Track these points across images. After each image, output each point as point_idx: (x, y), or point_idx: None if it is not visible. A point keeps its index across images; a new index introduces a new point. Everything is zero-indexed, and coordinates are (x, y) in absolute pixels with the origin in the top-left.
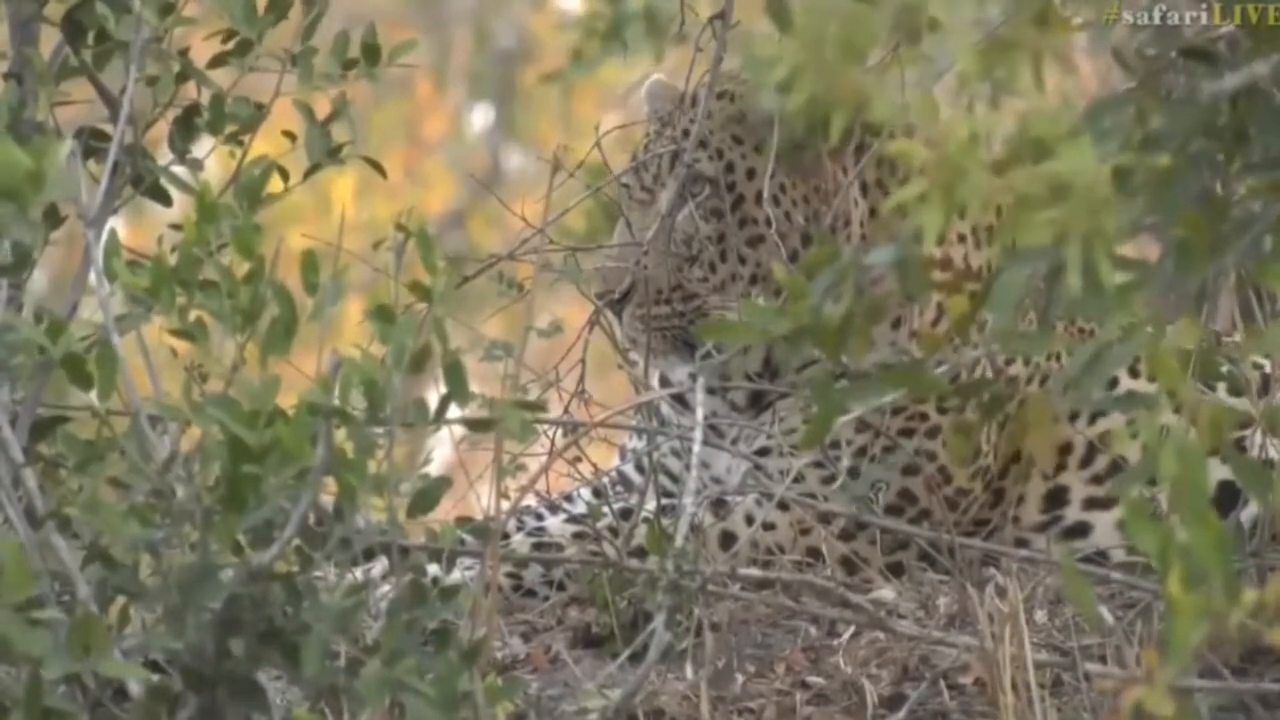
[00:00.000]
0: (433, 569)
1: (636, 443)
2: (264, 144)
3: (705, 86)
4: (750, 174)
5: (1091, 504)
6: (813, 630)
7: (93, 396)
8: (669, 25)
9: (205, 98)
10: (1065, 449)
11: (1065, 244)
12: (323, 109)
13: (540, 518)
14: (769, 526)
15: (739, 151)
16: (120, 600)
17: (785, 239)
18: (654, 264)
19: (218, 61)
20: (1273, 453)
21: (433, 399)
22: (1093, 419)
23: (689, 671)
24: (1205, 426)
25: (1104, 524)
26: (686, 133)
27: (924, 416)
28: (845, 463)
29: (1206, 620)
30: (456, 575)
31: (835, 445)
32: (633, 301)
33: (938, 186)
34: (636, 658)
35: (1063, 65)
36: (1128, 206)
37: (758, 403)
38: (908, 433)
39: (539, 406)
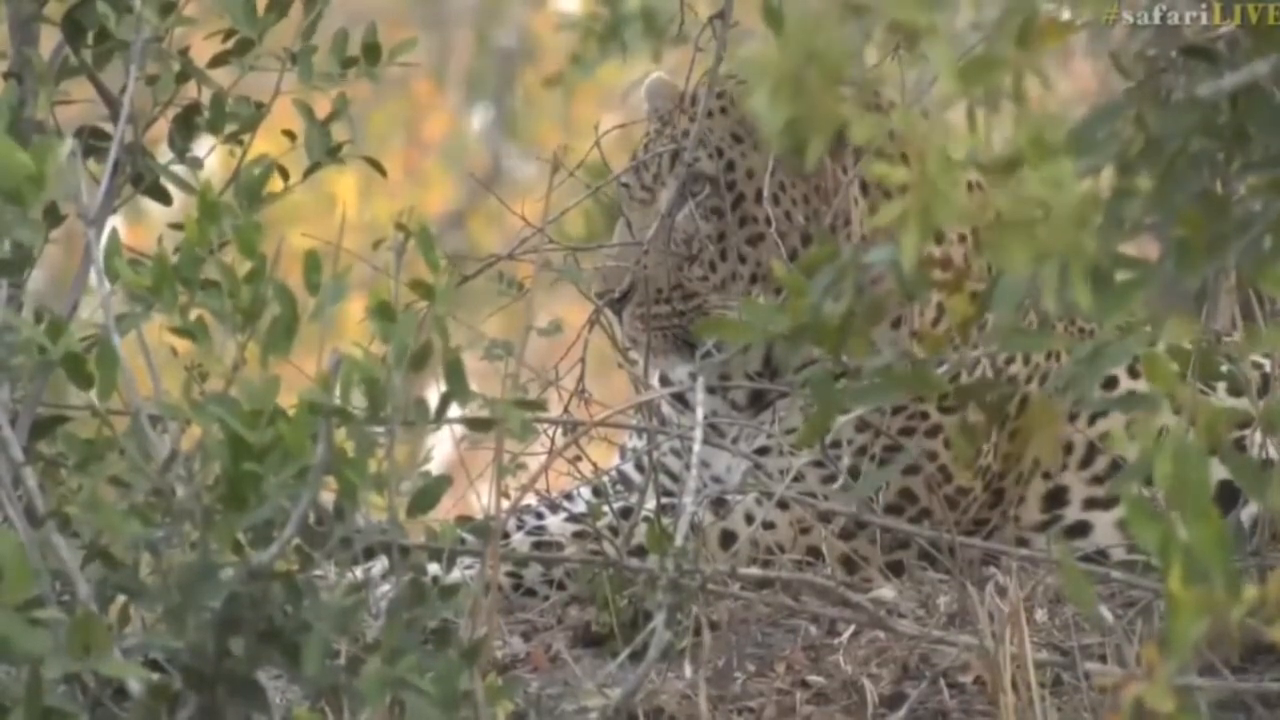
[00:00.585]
0: (433, 568)
1: (636, 442)
2: (264, 143)
3: (705, 86)
4: (750, 173)
5: (1091, 504)
6: (813, 629)
7: (93, 396)
8: (668, 25)
9: (205, 97)
10: (1065, 449)
11: (1042, 264)
12: (323, 108)
13: (540, 517)
14: (769, 525)
15: (739, 150)
16: (120, 599)
17: (785, 238)
18: (654, 263)
19: (218, 61)
20: (1272, 452)
21: (433, 398)
22: (1092, 419)
23: (689, 670)
24: (1203, 427)
25: (1104, 524)
26: (686, 132)
27: (924, 415)
28: (846, 462)
29: (1207, 616)
30: (456, 574)
31: (836, 445)
32: (633, 301)
33: (915, 208)
34: (636, 657)
35: (1042, 81)
36: (1126, 208)
37: (758, 402)
38: (908, 432)
39: (539, 406)
